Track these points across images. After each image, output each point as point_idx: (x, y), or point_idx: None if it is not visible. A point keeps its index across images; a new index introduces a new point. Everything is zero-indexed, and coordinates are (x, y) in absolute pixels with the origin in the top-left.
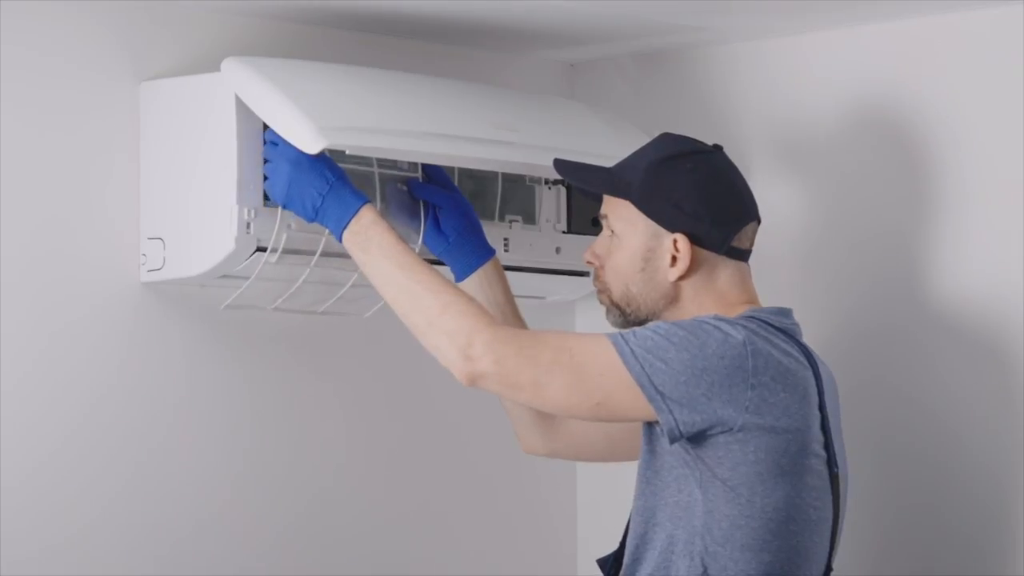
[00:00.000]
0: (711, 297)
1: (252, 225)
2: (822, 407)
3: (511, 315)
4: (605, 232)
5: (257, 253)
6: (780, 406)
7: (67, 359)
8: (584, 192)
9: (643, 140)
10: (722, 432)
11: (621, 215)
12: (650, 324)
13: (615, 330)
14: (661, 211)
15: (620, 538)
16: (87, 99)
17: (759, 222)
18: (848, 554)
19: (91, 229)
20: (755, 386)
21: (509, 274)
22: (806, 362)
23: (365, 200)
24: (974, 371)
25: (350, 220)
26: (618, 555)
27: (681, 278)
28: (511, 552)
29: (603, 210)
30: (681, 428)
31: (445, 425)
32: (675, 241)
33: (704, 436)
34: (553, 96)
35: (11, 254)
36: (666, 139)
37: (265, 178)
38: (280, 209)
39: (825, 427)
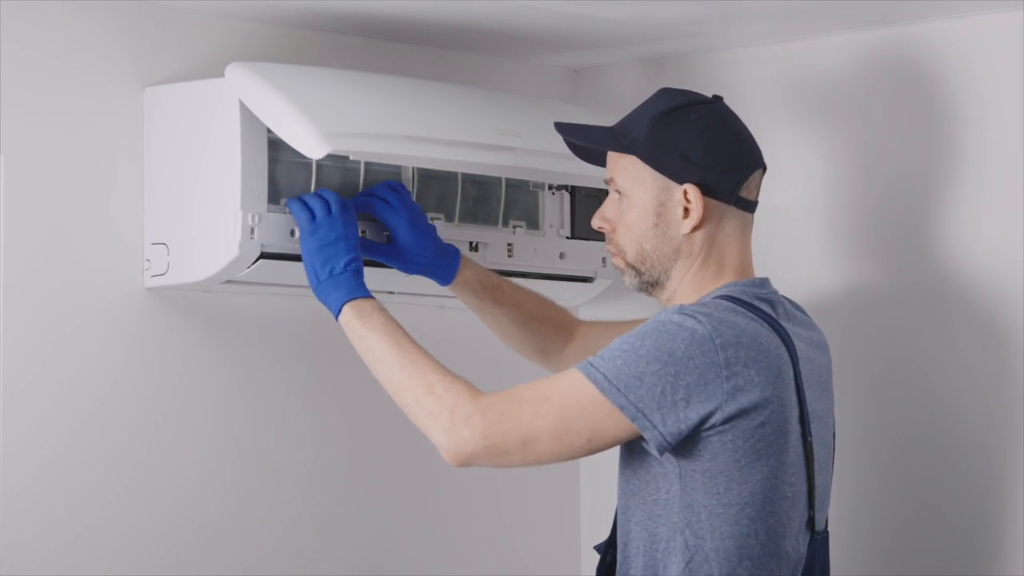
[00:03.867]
0: (716, 253)
1: (256, 230)
2: (797, 377)
3: (511, 309)
4: (613, 195)
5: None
6: (756, 390)
7: (71, 364)
8: (586, 156)
9: None
10: (705, 429)
11: (628, 173)
12: (614, 342)
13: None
14: (669, 163)
15: (612, 523)
16: (91, 104)
17: (764, 170)
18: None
19: (95, 234)
20: (729, 377)
21: (512, 279)
22: (778, 338)
23: (369, 294)
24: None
25: (357, 298)
26: (611, 541)
27: (694, 230)
28: (514, 545)
29: (608, 173)
30: (668, 439)
31: None
32: (685, 192)
33: (689, 438)
34: (557, 101)
35: (16, 259)
36: (666, 93)
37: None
38: (284, 214)
39: (801, 398)
